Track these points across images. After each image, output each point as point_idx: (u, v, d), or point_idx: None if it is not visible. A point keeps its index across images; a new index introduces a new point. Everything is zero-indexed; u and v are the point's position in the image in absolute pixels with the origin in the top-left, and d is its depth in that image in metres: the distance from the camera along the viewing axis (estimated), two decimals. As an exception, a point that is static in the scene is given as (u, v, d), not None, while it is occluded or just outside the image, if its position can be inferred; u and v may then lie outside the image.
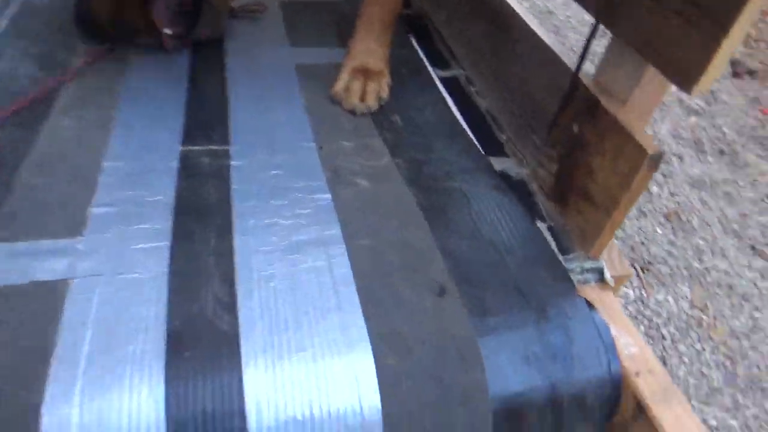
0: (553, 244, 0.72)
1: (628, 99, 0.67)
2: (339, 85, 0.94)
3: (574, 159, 0.74)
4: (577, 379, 0.56)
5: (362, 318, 0.56)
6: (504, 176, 0.85)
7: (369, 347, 0.54)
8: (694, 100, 2.04)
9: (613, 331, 0.62)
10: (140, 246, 0.63)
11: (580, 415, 0.57)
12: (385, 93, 0.95)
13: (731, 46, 0.51)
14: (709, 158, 1.83)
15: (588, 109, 0.71)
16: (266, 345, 0.53)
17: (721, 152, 1.86)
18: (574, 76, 0.73)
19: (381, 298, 0.58)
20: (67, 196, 0.69)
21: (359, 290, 0.59)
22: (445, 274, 0.62)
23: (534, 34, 0.86)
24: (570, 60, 0.78)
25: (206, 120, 0.87)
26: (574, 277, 0.69)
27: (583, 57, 0.73)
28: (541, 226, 0.76)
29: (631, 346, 0.62)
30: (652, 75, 0.64)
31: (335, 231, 0.66)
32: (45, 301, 0.55)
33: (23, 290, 0.56)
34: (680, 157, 1.85)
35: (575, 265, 0.70)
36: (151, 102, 0.90)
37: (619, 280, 0.72)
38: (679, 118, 1.98)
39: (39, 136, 0.79)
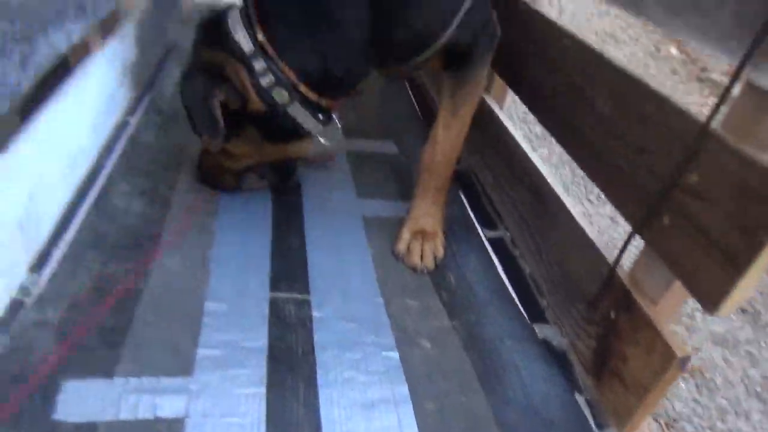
0: (590, 419, 0.81)
1: (659, 300, 0.79)
2: (401, 245, 1.08)
3: (610, 342, 0.85)
4: None
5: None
6: (545, 343, 0.96)
7: None
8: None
9: None
10: (240, 391, 0.74)
11: None
12: (440, 253, 1.09)
13: (749, 284, 0.63)
14: (732, 316, 1.92)
15: (624, 300, 0.83)
16: (349, 499, 0.63)
17: (743, 311, 1.94)
18: (612, 271, 0.86)
19: (445, 463, 0.68)
20: (178, 335, 0.82)
21: (427, 453, 0.69)
22: (499, 445, 0.72)
23: (573, 219, 1.00)
24: (606, 249, 0.91)
25: (289, 267, 1.01)
26: (609, 453, 0.77)
27: (620, 256, 0.86)
28: (579, 398, 0.85)
29: None
30: (681, 285, 0.76)
31: (404, 391, 0.77)
32: (168, 439, 0.66)
33: (149, 426, 0.67)
34: (704, 313, 1.93)
35: (610, 441, 0.79)
36: (241, 244, 1.05)
37: (649, 457, 0.80)
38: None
39: (151, 273, 0.93)
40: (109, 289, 0.88)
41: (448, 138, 1.10)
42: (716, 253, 0.66)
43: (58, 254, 0.93)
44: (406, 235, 1.10)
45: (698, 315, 1.90)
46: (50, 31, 0.93)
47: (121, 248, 0.97)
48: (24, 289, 0.84)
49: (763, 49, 0.61)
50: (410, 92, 1.89)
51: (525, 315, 1.00)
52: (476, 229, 1.24)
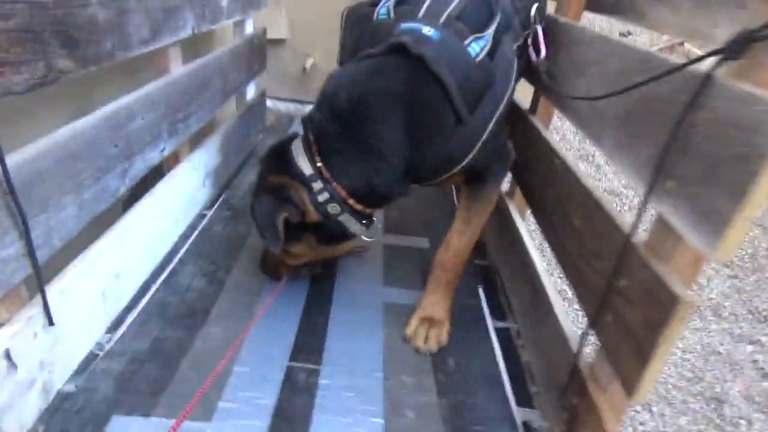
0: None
1: (608, 389, 0.89)
2: (409, 329, 1.25)
3: (573, 427, 0.95)
4: None
5: None
6: (526, 426, 1.06)
7: None
8: None
9: None
10: (245, 438, 0.92)
11: None
12: (444, 339, 1.24)
13: (654, 375, 0.74)
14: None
15: (583, 388, 0.93)
16: None
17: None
18: (575, 364, 0.97)
19: None
20: (208, 390, 1.01)
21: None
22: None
23: (555, 314, 1.12)
24: (573, 337, 1.03)
25: (310, 342, 1.19)
26: None
27: (580, 349, 0.97)
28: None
29: None
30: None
31: (381, 453, 0.92)
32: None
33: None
34: (749, 422, 1.87)
35: None
36: (273, 320, 1.25)
37: None
38: (753, 381, 2.04)
39: (196, 339, 1.15)
40: (161, 348, 1.11)
41: (460, 242, 1.28)
42: (634, 348, 0.78)
43: (129, 320, 1.18)
44: (414, 321, 1.26)
45: (743, 424, 1.85)
46: (146, 150, 1.24)
47: (178, 317, 1.21)
48: (99, 345, 1.09)
49: (659, 186, 0.76)
50: (454, 192, 2.09)
51: (512, 400, 1.11)
52: (486, 320, 1.37)
